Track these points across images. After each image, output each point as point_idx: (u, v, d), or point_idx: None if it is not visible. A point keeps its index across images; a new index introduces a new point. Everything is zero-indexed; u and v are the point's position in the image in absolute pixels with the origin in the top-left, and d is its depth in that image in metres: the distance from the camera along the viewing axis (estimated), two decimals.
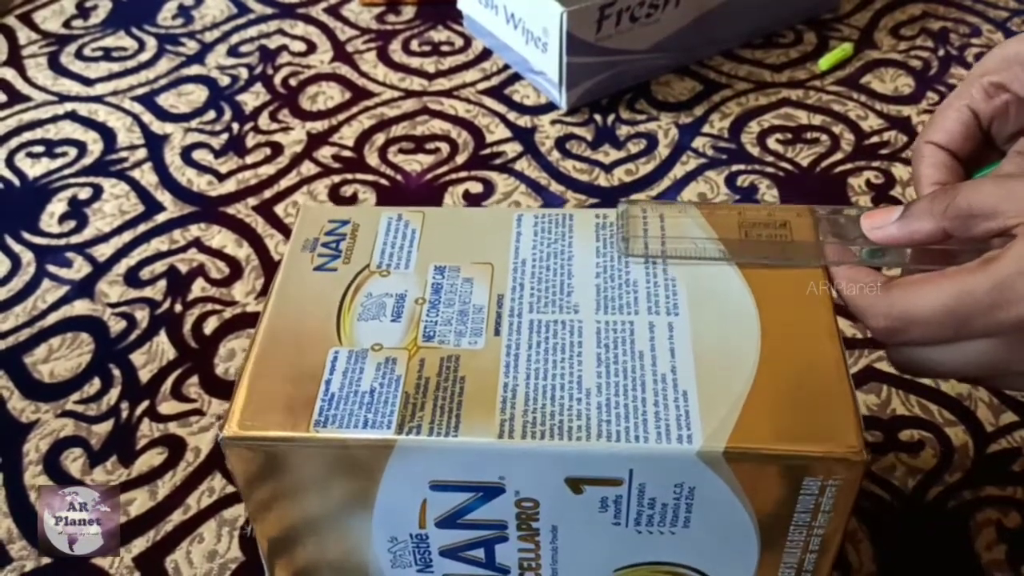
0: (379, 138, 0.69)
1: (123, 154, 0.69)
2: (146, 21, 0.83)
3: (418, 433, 0.31)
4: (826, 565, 0.34)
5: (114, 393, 0.52)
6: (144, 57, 0.78)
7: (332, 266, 0.37)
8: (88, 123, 0.72)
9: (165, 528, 0.46)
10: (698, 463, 0.31)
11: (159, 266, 0.60)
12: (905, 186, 0.64)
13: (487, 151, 0.68)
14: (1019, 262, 0.30)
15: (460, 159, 0.67)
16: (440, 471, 0.32)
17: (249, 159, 0.68)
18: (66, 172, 0.67)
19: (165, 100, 0.74)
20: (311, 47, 0.79)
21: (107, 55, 0.79)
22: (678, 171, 0.65)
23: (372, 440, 0.31)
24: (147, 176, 0.67)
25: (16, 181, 0.67)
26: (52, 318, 0.57)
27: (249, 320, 0.56)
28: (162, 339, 0.55)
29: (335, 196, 0.64)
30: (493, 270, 0.37)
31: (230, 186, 0.66)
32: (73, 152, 0.69)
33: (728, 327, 0.34)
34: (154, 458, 0.49)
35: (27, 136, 0.71)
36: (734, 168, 0.66)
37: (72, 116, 0.72)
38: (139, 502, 0.47)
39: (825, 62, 0.74)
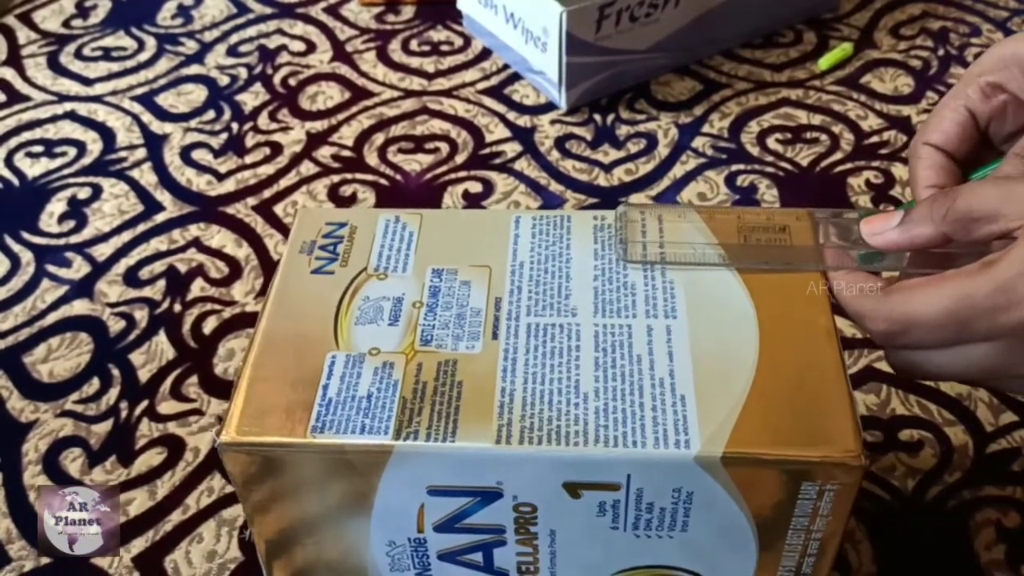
0: (378, 138, 0.69)
1: (122, 154, 0.69)
2: (145, 21, 0.83)
3: (415, 439, 0.31)
4: (824, 568, 0.34)
5: (113, 393, 0.52)
6: (143, 57, 0.78)
7: (329, 269, 0.37)
8: (87, 123, 0.72)
9: (164, 528, 0.46)
10: (696, 468, 0.31)
11: (158, 266, 0.60)
12: (904, 186, 0.63)
13: (487, 151, 0.68)
14: (1020, 265, 0.30)
15: (460, 159, 0.67)
16: (437, 476, 0.32)
17: (248, 159, 0.68)
18: (65, 172, 0.67)
19: (164, 100, 0.74)
20: (310, 47, 0.79)
21: (106, 55, 0.79)
22: (678, 171, 0.65)
23: (369, 446, 0.31)
24: (146, 176, 0.67)
25: (15, 181, 0.67)
26: (51, 318, 0.57)
27: (248, 320, 0.56)
28: (161, 339, 0.55)
29: (334, 196, 0.64)
30: (491, 273, 0.37)
31: (229, 186, 0.65)
32: (72, 152, 0.69)
33: (726, 330, 0.34)
34: (153, 458, 0.49)
35: (26, 136, 0.71)
36: (734, 168, 0.65)
37: (71, 116, 0.72)
38: (138, 502, 0.47)
39: (825, 62, 0.74)
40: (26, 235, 0.62)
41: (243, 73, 0.76)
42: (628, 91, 0.72)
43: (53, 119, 0.72)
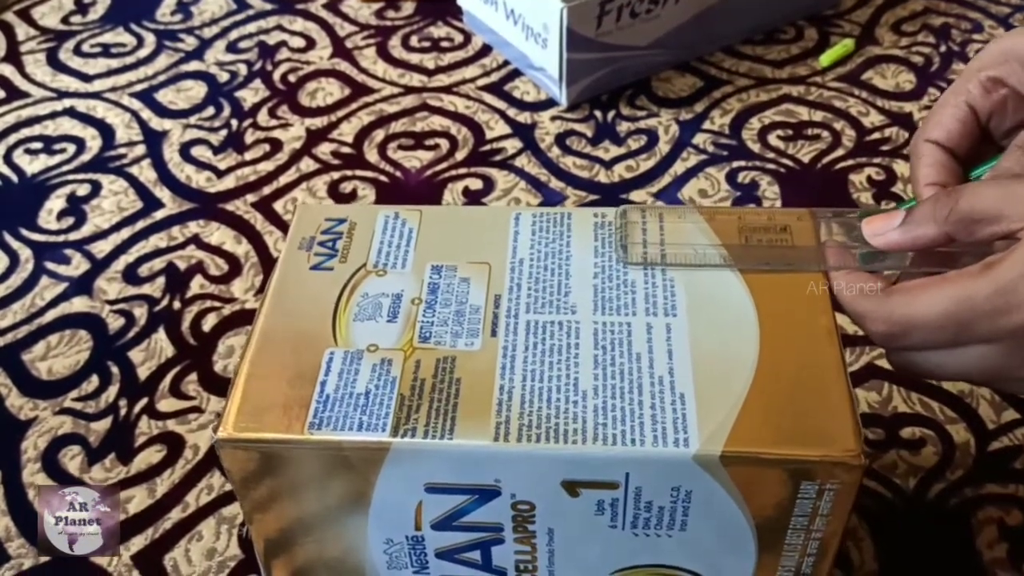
0: (378, 134, 0.69)
1: (122, 150, 0.69)
2: (145, 17, 0.82)
3: (413, 436, 0.31)
4: (824, 568, 0.34)
5: (112, 390, 0.52)
6: (143, 53, 0.78)
7: (328, 265, 0.37)
8: (87, 119, 0.71)
9: (164, 526, 0.46)
10: (695, 467, 0.30)
11: (158, 263, 0.60)
12: (906, 183, 0.63)
13: (487, 147, 0.67)
14: (1020, 267, 0.29)
15: (460, 155, 0.67)
16: (435, 474, 0.32)
17: (248, 155, 0.68)
18: (64, 169, 0.67)
19: (164, 96, 0.73)
20: (310, 43, 0.79)
21: (106, 51, 0.79)
22: (678, 167, 0.65)
23: (367, 443, 0.31)
24: (146, 173, 0.66)
25: (14, 178, 0.67)
26: (50, 315, 0.57)
27: (248, 317, 0.56)
28: (161, 336, 0.55)
29: (334, 193, 0.64)
30: (490, 269, 0.36)
31: (229, 183, 0.65)
32: (72, 148, 0.69)
33: (726, 328, 0.34)
34: (153, 456, 0.49)
35: (25, 132, 0.70)
36: (735, 164, 0.65)
37: (71, 112, 0.72)
38: (138, 500, 0.47)
39: (826, 58, 0.74)
40: (25, 232, 0.62)
41: (243, 69, 0.76)
42: (629, 87, 0.72)
43: (52, 116, 0.72)
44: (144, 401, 0.52)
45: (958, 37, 0.77)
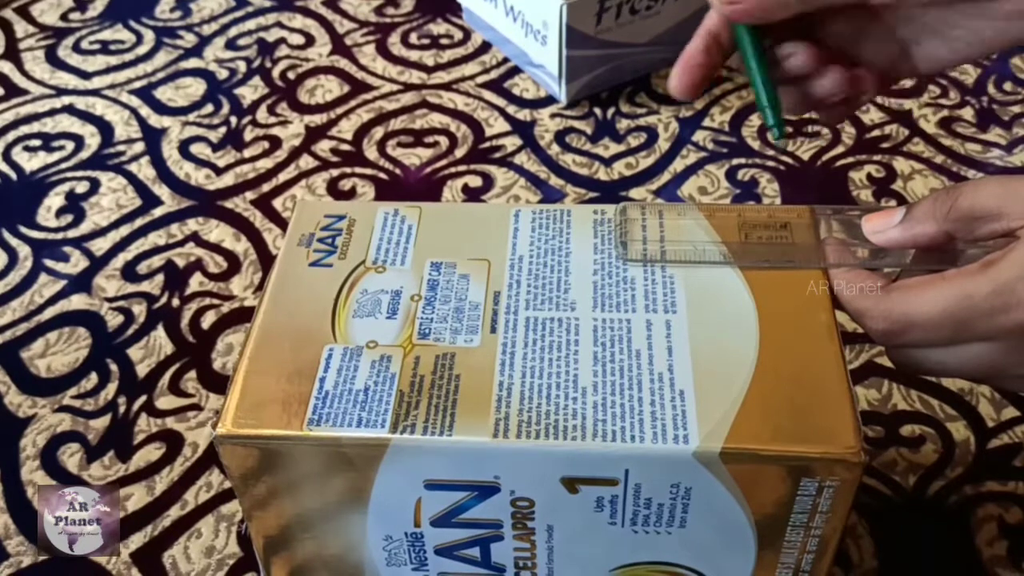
0: (378, 132, 0.69)
1: (121, 148, 0.68)
2: (144, 14, 0.82)
3: (412, 432, 0.31)
4: (824, 565, 0.34)
5: (111, 388, 0.52)
6: (142, 50, 0.78)
7: (328, 262, 0.37)
8: (85, 116, 0.71)
9: (163, 523, 0.46)
10: (694, 464, 0.30)
11: (157, 260, 0.60)
12: (907, 180, 0.63)
13: (486, 145, 0.67)
14: (1020, 266, 0.29)
15: (459, 153, 0.67)
16: (434, 470, 0.32)
17: (247, 153, 0.67)
18: (63, 166, 0.67)
19: (163, 93, 0.73)
20: (309, 40, 0.79)
21: (104, 48, 0.79)
22: (678, 165, 0.65)
23: (366, 439, 0.31)
24: (145, 170, 0.66)
25: (13, 175, 0.66)
26: (49, 313, 0.56)
27: (247, 314, 0.56)
28: (160, 334, 0.55)
29: (333, 190, 0.64)
30: (490, 266, 0.36)
31: (228, 180, 0.65)
32: (70, 146, 0.69)
33: (726, 325, 0.34)
34: (152, 453, 0.49)
35: (24, 130, 0.70)
36: (735, 162, 0.65)
37: (69, 110, 0.72)
38: (136, 497, 0.47)
39: None
40: (24, 229, 0.62)
41: (242, 67, 0.76)
42: (628, 85, 0.72)
43: (51, 113, 0.72)
44: (143, 399, 0.52)
45: None
